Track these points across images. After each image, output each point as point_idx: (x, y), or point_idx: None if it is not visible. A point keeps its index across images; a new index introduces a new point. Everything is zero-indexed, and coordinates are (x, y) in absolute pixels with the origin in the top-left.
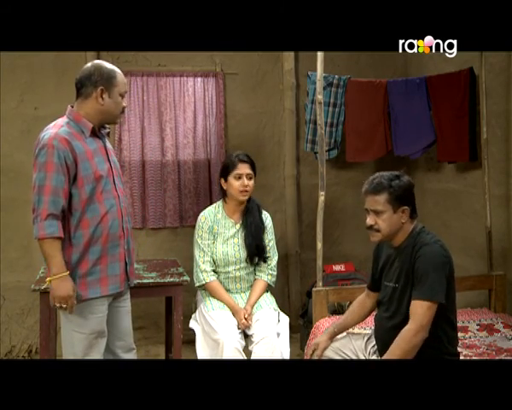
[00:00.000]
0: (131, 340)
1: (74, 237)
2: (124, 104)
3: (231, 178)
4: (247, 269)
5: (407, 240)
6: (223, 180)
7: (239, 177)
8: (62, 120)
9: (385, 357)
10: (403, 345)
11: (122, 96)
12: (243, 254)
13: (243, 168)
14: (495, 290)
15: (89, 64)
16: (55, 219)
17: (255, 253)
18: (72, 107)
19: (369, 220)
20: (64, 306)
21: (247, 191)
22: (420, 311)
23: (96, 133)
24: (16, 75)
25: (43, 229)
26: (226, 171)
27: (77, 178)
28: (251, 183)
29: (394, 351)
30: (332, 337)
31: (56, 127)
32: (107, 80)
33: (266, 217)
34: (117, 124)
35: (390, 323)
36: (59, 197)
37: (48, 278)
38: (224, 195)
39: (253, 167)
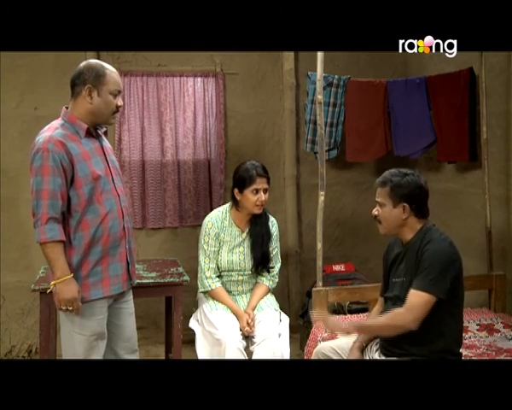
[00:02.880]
0: (135, 342)
1: (75, 239)
2: (118, 103)
3: (248, 192)
4: (249, 274)
5: (415, 237)
6: (237, 191)
7: (256, 191)
8: (57, 122)
9: (367, 321)
10: (388, 322)
11: (113, 95)
12: (248, 263)
13: (261, 183)
14: (495, 290)
15: (82, 63)
16: (56, 222)
17: (260, 263)
18: (67, 108)
19: (374, 210)
20: (70, 308)
21: (262, 205)
22: (416, 301)
23: (91, 133)
24: (16, 75)
25: (44, 233)
26: (242, 183)
27: (74, 179)
28: (266, 196)
29: (378, 321)
30: (362, 350)
31: (51, 130)
32: (95, 78)
33: (273, 224)
34: (111, 125)
35: None
36: (57, 200)
37: (52, 282)
38: (235, 203)
39: (269, 180)
